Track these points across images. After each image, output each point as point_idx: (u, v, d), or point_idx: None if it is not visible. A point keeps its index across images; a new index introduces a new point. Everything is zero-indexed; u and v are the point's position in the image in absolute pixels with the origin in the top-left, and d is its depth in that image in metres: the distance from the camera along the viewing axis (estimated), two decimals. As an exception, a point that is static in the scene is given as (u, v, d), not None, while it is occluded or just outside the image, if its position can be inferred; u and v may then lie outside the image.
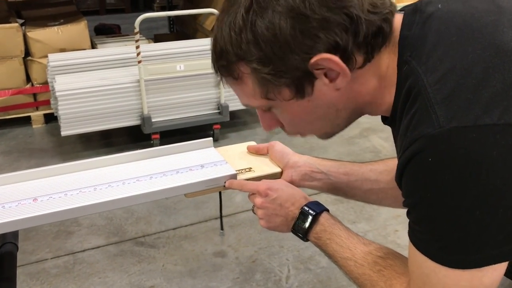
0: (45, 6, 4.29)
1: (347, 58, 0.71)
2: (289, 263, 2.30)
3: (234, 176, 1.01)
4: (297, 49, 0.69)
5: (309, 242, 0.96)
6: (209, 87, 3.38)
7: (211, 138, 1.14)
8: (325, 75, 0.72)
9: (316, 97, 0.75)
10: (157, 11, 7.62)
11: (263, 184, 0.99)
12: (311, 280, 2.20)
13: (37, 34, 3.60)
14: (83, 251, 2.43)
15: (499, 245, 0.65)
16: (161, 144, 3.34)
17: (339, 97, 0.76)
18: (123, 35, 4.49)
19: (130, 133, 3.55)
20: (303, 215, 0.94)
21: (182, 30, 5.21)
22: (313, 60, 0.70)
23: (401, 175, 0.70)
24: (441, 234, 0.68)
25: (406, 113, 0.69)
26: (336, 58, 0.70)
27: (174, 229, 2.59)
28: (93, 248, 2.44)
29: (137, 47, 3.09)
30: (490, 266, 0.66)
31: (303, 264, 2.30)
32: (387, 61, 0.74)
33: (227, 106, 3.41)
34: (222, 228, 1.16)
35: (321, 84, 0.73)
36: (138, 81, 3.19)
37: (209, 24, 4.11)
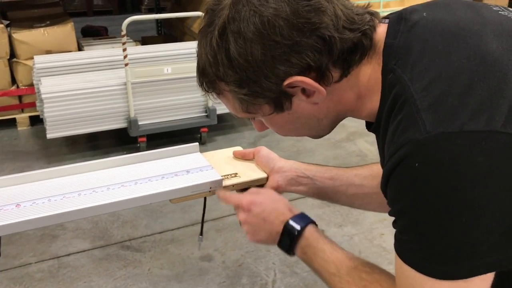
0: (31, 8, 4.26)
1: (322, 76, 0.72)
2: (276, 267, 2.30)
3: (219, 182, 1.01)
4: (270, 73, 0.71)
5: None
6: (197, 90, 3.34)
7: (197, 143, 1.14)
8: (302, 91, 0.74)
9: (296, 110, 0.77)
10: (145, 13, 7.60)
11: (245, 198, 0.98)
12: (297, 284, 2.21)
13: (22, 36, 3.57)
14: (68, 255, 2.41)
15: (484, 255, 0.65)
16: (147, 147, 3.33)
17: (319, 109, 0.77)
18: (110, 37, 4.47)
19: (116, 136, 3.53)
20: (287, 231, 0.93)
21: (170, 32, 5.20)
22: (286, 82, 0.71)
23: (387, 182, 0.70)
24: (426, 242, 0.67)
25: (393, 120, 0.70)
26: (308, 80, 0.71)
27: (160, 233, 2.57)
28: (78, 252, 2.42)
29: (124, 49, 3.08)
30: (477, 277, 0.66)
31: (289, 268, 2.30)
32: (369, 72, 0.75)
33: (214, 109, 3.41)
34: (201, 234, 1.15)
35: (299, 100, 0.75)
36: (125, 83, 3.18)
37: (196, 27, 4.11)
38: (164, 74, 3.25)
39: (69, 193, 0.95)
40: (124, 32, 3.04)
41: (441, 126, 0.63)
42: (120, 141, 3.51)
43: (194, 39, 4.15)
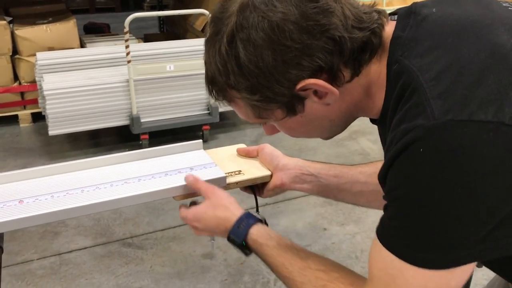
0: (34, 4, 4.25)
1: (333, 77, 0.72)
2: (278, 265, 2.30)
3: (223, 179, 1.01)
4: (282, 78, 0.70)
5: None
6: (199, 87, 3.37)
7: (200, 140, 1.13)
8: (314, 93, 0.73)
9: (308, 113, 0.76)
10: (147, 10, 7.59)
11: (189, 215, 0.96)
12: (299, 282, 2.20)
13: (25, 32, 3.57)
14: (70, 252, 2.41)
15: (472, 246, 0.64)
16: (150, 145, 3.33)
17: (331, 110, 0.77)
18: (112, 35, 4.46)
19: (118, 133, 3.53)
20: (233, 242, 0.92)
21: (172, 30, 5.19)
22: (298, 86, 0.71)
23: (388, 168, 0.69)
24: (416, 229, 0.66)
25: (400, 109, 0.69)
26: (321, 82, 0.71)
27: (162, 230, 2.57)
28: (80, 249, 2.42)
29: (127, 46, 3.07)
30: (460, 268, 0.66)
31: (292, 266, 2.29)
32: (378, 69, 0.74)
33: (216, 107, 3.40)
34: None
35: (311, 102, 0.74)
36: (128, 81, 3.17)
37: (199, 24, 4.10)
38: (167, 72, 3.25)
39: (72, 190, 0.94)
40: (127, 29, 3.04)
41: (450, 113, 0.62)
42: (122, 138, 3.50)
43: (196, 37, 4.14)
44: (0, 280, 0.96)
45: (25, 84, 3.65)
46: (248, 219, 0.92)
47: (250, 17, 0.69)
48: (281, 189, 1.05)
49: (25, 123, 3.76)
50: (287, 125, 0.79)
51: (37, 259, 2.35)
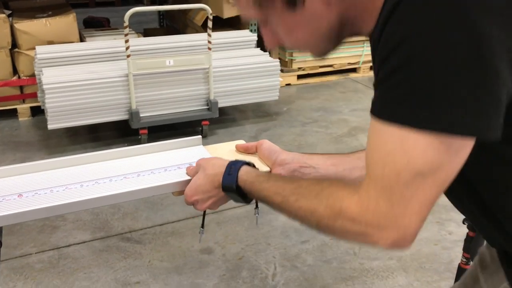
0: (33, -2, 4.25)
1: None
2: (276, 261, 2.30)
3: (222, 175, 1.00)
4: None
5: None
6: (199, 82, 3.37)
7: (200, 136, 1.13)
8: None
9: (308, 10, 0.74)
10: (147, 5, 7.57)
11: (187, 192, 0.98)
12: (297, 277, 2.21)
13: (24, 26, 3.56)
14: (68, 246, 2.41)
15: (474, 114, 0.61)
16: (149, 140, 3.33)
17: (330, 12, 0.74)
18: (112, 29, 4.45)
19: (117, 127, 3.53)
20: (227, 191, 0.93)
21: (172, 25, 5.18)
22: None
23: (386, 21, 0.65)
24: (419, 85, 0.62)
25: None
26: None
27: (160, 225, 2.58)
28: (78, 243, 2.42)
29: (126, 41, 3.07)
30: (458, 141, 0.63)
31: (290, 262, 2.30)
32: None
33: (216, 102, 3.40)
34: (202, 226, 1.14)
35: None
36: (127, 75, 3.17)
37: (199, 19, 4.09)
38: (166, 66, 3.24)
39: (71, 184, 0.95)
40: (126, 24, 3.03)
41: None
42: (121, 133, 3.50)
43: (196, 31, 4.13)
44: (-1, 274, 0.96)
45: (24, 78, 3.65)
46: (236, 164, 0.93)
47: None
48: None
49: (24, 117, 3.75)
50: (285, 23, 0.77)
51: (35, 253, 2.35)
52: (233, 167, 0.93)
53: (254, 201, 1.03)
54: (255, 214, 1.09)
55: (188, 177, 0.98)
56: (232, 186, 0.91)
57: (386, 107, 0.66)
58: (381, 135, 0.66)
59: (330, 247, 2.40)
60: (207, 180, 0.95)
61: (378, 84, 0.68)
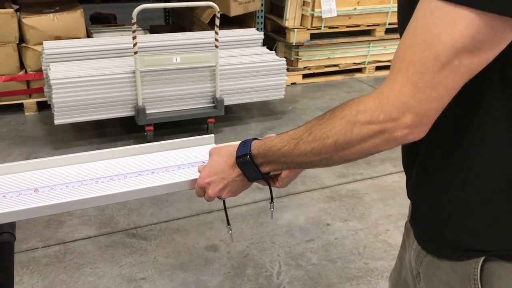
0: (41, -7, 4.24)
1: None
2: (280, 259, 2.31)
3: (235, 173, 1.01)
4: None
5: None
6: (205, 80, 3.38)
7: (212, 135, 1.14)
8: None
9: None
10: (153, 1, 7.56)
11: (200, 176, 0.97)
12: (302, 276, 2.22)
13: (32, 21, 3.56)
14: (74, 241, 2.42)
15: None
16: (154, 136, 3.34)
17: None
18: (118, 25, 4.46)
19: (122, 124, 3.54)
20: (241, 166, 0.91)
21: (178, 22, 5.18)
22: None
23: None
24: None
25: None
26: None
27: (166, 221, 2.59)
28: (84, 238, 2.44)
29: (134, 37, 3.07)
30: (502, 25, 0.63)
31: (294, 261, 2.31)
32: None
33: (222, 100, 3.41)
34: (228, 224, 1.14)
35: None
36: (134, 72, 3.18)
37: (206, 17, 4.10)
38: (173, 64, 3.25)
39: (87, 180, 0.95)
40: (134, 20, 3.03)
41: None
42: (126, 129, 3.51)
43: (203, 29, 4.14)
44: (13, 268, 0.97)
45: (31, 72, 3.66)
46: (248, 140, 0.93)
47: None
48: (295, 174, 1.04)
49: (30, 111, 3.77)
50: None
51: (41, 247, 2.36)
52: (245, 142, 0.92)
53: (268, 192, 1.04)
54: (270, 209, 1.09)
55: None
56: (246, 155, 0.89)
57: None
58: (433, 16, 0.66)
59: (334, 246, 2.41)
60: (221, 160, 0.94)
61: None
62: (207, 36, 3.55)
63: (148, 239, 2.45)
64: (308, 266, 2.27)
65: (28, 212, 0.87)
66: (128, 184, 0.95)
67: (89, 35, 3.90)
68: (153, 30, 4.62)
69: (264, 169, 0.91)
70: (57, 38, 3.59)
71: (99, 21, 4.77)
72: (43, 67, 3.32)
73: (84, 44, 3.46)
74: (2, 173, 0.96)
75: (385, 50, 4.67)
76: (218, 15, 3.20)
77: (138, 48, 3.11)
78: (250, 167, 0.91)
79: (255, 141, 0.92)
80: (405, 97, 0.68)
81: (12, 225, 1.05)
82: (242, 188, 0.97)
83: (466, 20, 0.64)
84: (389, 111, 0.69)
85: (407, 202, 0.97)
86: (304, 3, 4.26)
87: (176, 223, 2.58)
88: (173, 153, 1.09)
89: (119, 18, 5.31)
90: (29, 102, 3.76)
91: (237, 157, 0.91)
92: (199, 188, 0.98)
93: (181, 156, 1.07)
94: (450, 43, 0.65)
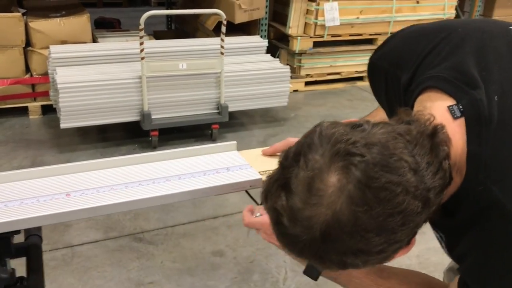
0: (47, -3, 4.28)
1: None
2: (286, 265, 2.34)
3: (259, 181, 1.04)
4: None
5: None
6: (210, 86, 3.41)
7: (235, 142, 1.17)
8: None
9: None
10: (155, 6, 7.60)
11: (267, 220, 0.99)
12: (308, 282, 2.24)
13: (39, 25, 3.59)
14: (81, 244, 2.44)
15: None
16: (159, 141, 3.36)
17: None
18: (123, 30, 4.49)
19: (127, 128, 3.56)
20: (309, 270, 0.97)
21: (181, 28, 5.22)
22: None
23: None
24: None
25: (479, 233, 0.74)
26: None
27: (172, 226, 2.61)
28: (91, 242, 2.45)
29: (141, 43, 3.10)
30: None
31: (300, 267, 2.32)
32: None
33: (226, 107, 3.44)
34: None
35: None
36: (140, 77, 3.20)
37: (210, 23, 4.13)
38: (179, 70, 3.28)
39: (117, 185, 0.98)
40: (142, 26, 3.07)
41: None
42: (131, 134, 3.54)
43: (207, 36, 4.17)
44: (43, 270, 1.00)
45: (37, 76, 3.68)
46: None
47: None
48: None
49: (34, 115, 3.78)
50: None
51: (49, 251, 2.38)
52: None
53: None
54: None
55: (225, 182, 1.02)
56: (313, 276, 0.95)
57: None
58: None
59: (339, 253, 2.44)
60: None
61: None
62: (212, 42, 3.59)
63: (155, 243, 2.47)
64: (313, 272, 2.30)
65: (61, 216, 0.90)
66: (157, 189, 0.98)
67: (94, 40, 3.93)
68: (157, 35, 4.65)
69: (327, 275, 0.98)
70: (63, 42, 3.61)
71: (104, 25, 4.80)
72: (49, 71, 3.34)
73: (90, 48, 3.49)
74: (36, 177, 0.98)
75: (387, 59, 4.72)
76: (225, 22, 3.24)
77: (145, 53, 3.14)
78: (314, 272, 0.96)
79: None
80: None
81: (38, 227, 1.08)
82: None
83: None
84: None
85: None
86: (307, 12, 4.30)
87: (182, 228, 2.60)
88: (196, 159, 1.12)
89: (122, 23, 5.34)
90: (34, 106, 3.77)
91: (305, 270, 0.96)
92: (256, 224, 1.00)
93: (205, 163, 1.10)
94: None
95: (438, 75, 0.77)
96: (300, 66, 4.47)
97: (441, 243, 0.88)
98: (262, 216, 1.00)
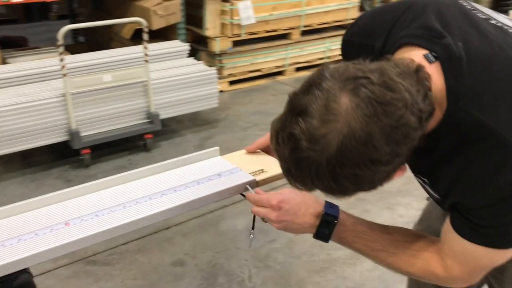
0: None
1: None
2: (249, 263, 2.36)
3: (253, 182, 1.06)
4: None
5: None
6: (138, 96, 3.33)
7: (217, 148, 1.17)
8: None
9: None
10: (55, 20, 7.24)
11: (274, 198, 1.05)
12: (273, 276, 2.28)
13: None
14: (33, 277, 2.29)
15: None
16: (92, 159, 3.24)
17: None
18: (32, 48, 4.24)
19: (53, 150, 3.38)
20: (326, 222, 1.02)
21: (92, 40, 5.03)
22: None
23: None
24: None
25: (478, 158, 0.82)
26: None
27: (125, 244, 2.53)
28: (42, 273, 2.31)
29: (62, 59, 2.96)
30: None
31: (262, 262, 2.37)
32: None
33: (157, 115, 3.38)
34: (253, 228, 1.17)
35: None
36: (63, 95, 3.06)
37: (126, 32, 4.04)
38: (104, 82, 3.17)
39: (115, 207, 0.95)
40: (61, 42, 2.92)
41: None
42: (60, 155, 3.36)
43: (123, 45, 4.06)
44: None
45: None
46: (332, 203, 1.04)
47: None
48: None
49: None
50: None
51: (-4, 290, 2.21)
52: (332, 204, 1.04)
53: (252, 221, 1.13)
54: (250, 236, 1.16)
55: (223, 187, 1.02)
56: (336, 218, 1.01)
57: (481, 239, 0.88)
58: (465, 246, 0.90)
59: (296, 243, 2.51)
60: (307, 200, 1.04)
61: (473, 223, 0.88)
62: (133, 51, 3.51)
63: (111, 264, 2.38)
64: (276, 266, 2.35)
65: (65, 247, 0.86)
66: (156, 205, 0.96)
67: (4, 62, 3.68)
68: (70, 50, 4.44)
69: (335, 238, 1.03)
70: (-30, 67, 3.35)
71: (9, 45, 4.49)
72: (-40, 100, 3.08)
73: (2, 71, 3.27)
74: (29, 209, 0.92)
75: (302, 52, 4.88)
76: (147, 29, 3.18)
77: (66, 69, 3.00)
78: (329, 228, 1.01)
79: (342, 210, 1.04)
80: (464, 277, 0.96)
81: (24, 264, 1.01)
82: (293, 231, 1.06)
83: (501, 254, 0.90)
84: (454, 280, 0.98)
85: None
86: (222, 12, 4.33)
87: (135, 244, 2.53)
88: (183, 169, 1.11)
89: (28, 40, 5.04)
90: None
91: (326, 213, 1.01)
92: (268, 203, 1.04)
93: (194, 172, 1.09)
94: (489, 265, 0.94)
95: (409, 34, 0.90)
96: (222, 67, 4.49)
97: (425, 188, 0.98)
98: (267, 193, 1.06)
